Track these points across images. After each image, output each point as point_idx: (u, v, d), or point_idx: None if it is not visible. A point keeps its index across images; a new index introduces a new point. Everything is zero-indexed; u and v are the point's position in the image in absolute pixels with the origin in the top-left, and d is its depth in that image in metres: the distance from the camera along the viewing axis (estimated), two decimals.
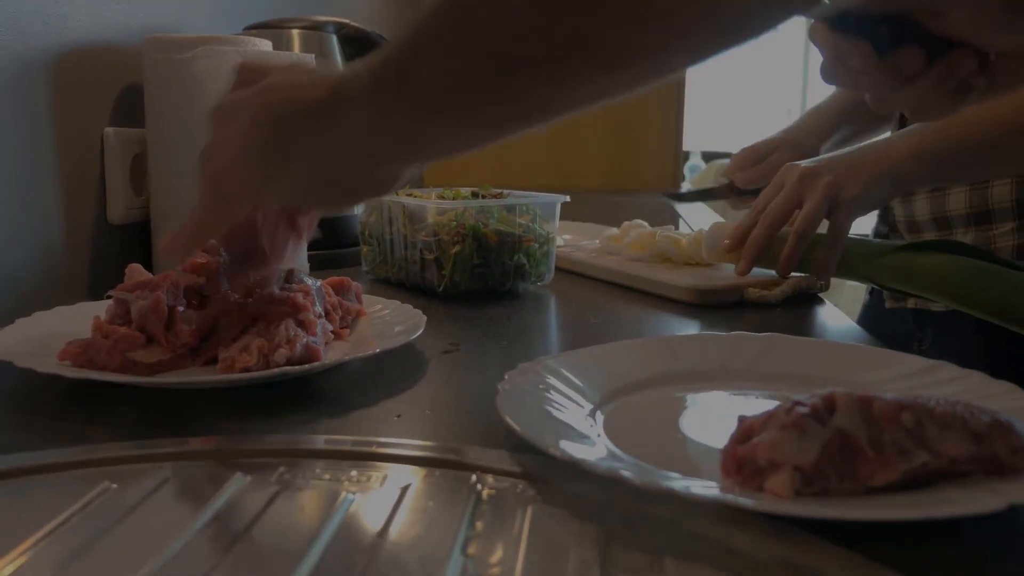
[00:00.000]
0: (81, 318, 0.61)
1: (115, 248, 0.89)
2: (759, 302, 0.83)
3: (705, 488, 0.37)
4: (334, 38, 1.10)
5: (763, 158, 1.14)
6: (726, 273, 0.89)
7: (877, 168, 0.86)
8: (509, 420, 0.43)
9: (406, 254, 0.89)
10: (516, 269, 0.88)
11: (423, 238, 0.86)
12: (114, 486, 0.40)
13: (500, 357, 0.66)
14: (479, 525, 0.37)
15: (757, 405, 0.52)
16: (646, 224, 1.04)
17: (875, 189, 0.86)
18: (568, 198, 0.93)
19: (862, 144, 0.91)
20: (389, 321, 0.69)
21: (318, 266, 0.96)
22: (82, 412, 0.52)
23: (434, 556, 0.34)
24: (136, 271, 0.62)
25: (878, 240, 0.91)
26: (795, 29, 2.36)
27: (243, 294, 0.59)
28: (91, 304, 0.68)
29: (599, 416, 0.48)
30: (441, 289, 0.85)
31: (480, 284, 0.86)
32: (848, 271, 0.83)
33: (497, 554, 0.34)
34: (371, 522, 0.37)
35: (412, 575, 0.33)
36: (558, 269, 0.96)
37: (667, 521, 0.37)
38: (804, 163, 0.88)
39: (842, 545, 0.34)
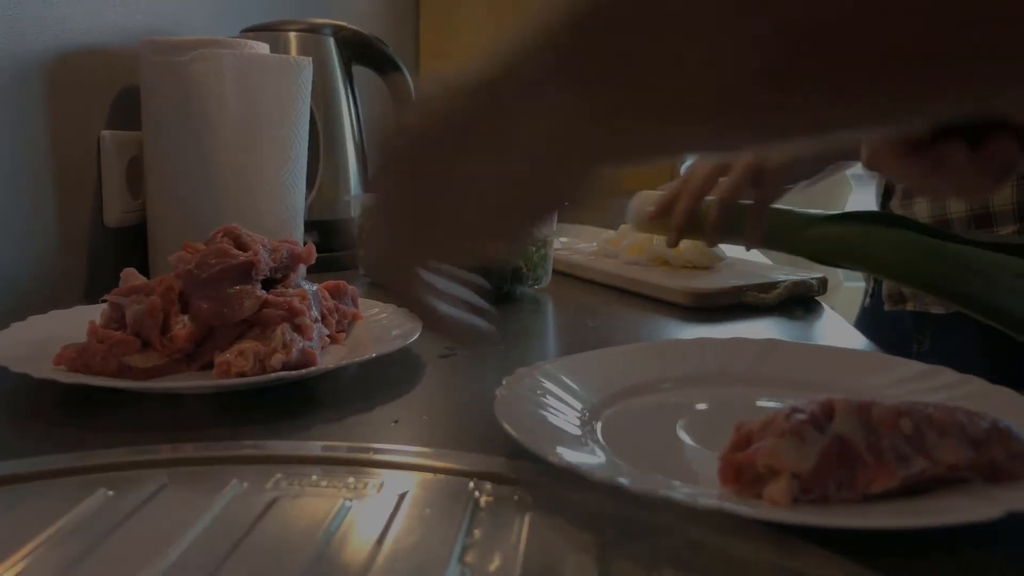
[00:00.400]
0: (77, 322, 0.61)
1: (111, 251, 0.89)
2: (756, 305, 0.83)
3: (703, 496, 0.37)
4: (331, 40, 1.10)
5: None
6: (724, 276, 0.89)
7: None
8: (507, 426, 0.43)
9: None
10: (513, 272, 0.88)
11: None
12: (111, 493, 0.40)
13: (498, 361, 0.66)
14: (477, 533, 0.36)
15: (755, 410, 0.52)
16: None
17: (804, 159, 0.84)
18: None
19: None
20: (386, 325, 0.69)
21: (314, 269, 0.96)
22: (78, 417, 0.52)
23: (431, 564, 0.34)
24: (131, 275, 0.62)
25: (809, 211, 0.90)
26: None
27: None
28: (87, 308, 0.68)
29: (597, 422, 0.48)
30: None
31: None
32: (776, 242, 0.81)
33: (495, 562, 0.34)
34: (368, 530, 0.37)
35: None
36: (555, 272, 0.96)
37: (665, 529, 0.37)
38: None
39: (841, 553, 0.34)
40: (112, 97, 0.89)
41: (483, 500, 0.40)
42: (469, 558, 0.34)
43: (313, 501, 0.40)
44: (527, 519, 0.38)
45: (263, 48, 0.91)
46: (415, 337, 0.62)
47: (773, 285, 0.85)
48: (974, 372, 0.53)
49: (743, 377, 0.55)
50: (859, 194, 2.27)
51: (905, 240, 0.74)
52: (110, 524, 0.37)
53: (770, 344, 0.58)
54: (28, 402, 0.54)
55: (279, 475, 0.42)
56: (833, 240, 0.78)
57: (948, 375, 0.52)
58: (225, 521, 0.38)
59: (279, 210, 0.91)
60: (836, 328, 0.78)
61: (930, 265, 0.72)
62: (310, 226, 1.02)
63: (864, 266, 0.79)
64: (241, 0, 1.18)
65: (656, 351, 0.58)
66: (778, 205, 0.81)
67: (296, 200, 0.94)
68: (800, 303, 0.85)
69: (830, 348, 0.60)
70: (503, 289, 0.88)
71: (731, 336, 0.60)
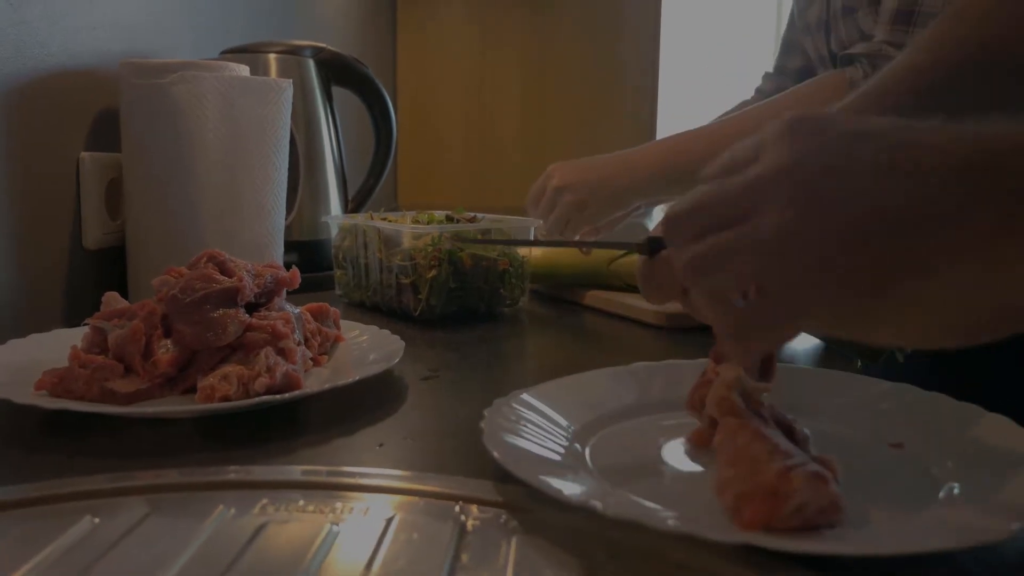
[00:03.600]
0: (57, 346, 0.61)
1: (90, 273, 0.89)
2: None
3: (675, 519, 0.38)
4: (311, 62, 1.10)
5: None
6: None
7: (619, 185, 1.00)
8: (494, 453, 0.43)
9: (381, 278, 0.89)
10: (491, 293, 0.89)
11: (399, 262, 0.86)
12: (96, 520, 0.40)
13: (480, 383, 0.67)
14: (464, 557, 0.37)
15: None
16: None
17: (618, 206, 1.03)
18: (541, 222, 0.95)
19: (618, 154, 1.05)
20: (367, 347, 0.69)
21: (290, 291, 0.96)
22: (60, 444, 0.52)
23: None
24: (113, 299, 0.62)
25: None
26: (765, 40, 2.39)
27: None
28: (66, 331, 0.68)
29: (583, 447, 0.49)
30: (417, 313, 0.86)
31: (456, 308, 0.87)
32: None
33: None
34: (356, 556, 0.37)
35: None
36: (532, 291, 0.97)
37: (651, 552, 0.37)
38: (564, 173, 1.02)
39: (822, 572, 0.35)
40: (91, 119, 0.89)
41: (470, 524, 0.40)
42: None
43: (301, 527, 0.40)
44: (514, 542, 0.38)
45: (243, 70, 0.91)
46: (397, 359, 0.63)
47: None
48: (940, 375, 0.54)
49: None
50: None
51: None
52: (97, 552, 0.37)
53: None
54: (9, 428, 0.54)
55: (265, 500, 0.42)
56: (633, 267, 0.91)
57: (915, 392, 0.54)
58: (214, 547, 0.38)
59: (259, 231, 0.91)
60: (804, 345, 0.80)
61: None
62: (290, 247, 1.02)
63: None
64: (221, 22, 1.18)
65: (631, 375, 0.59)
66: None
67: (276, 221, 0.94)
68: None
69: (795, 368, 0.62)
70: (480, 309, 0.89)
71: (699, 360, 0.61)
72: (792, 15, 1.27)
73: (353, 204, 1.18)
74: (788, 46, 1.29)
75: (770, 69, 1.32)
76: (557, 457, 0.46)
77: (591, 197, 1.00)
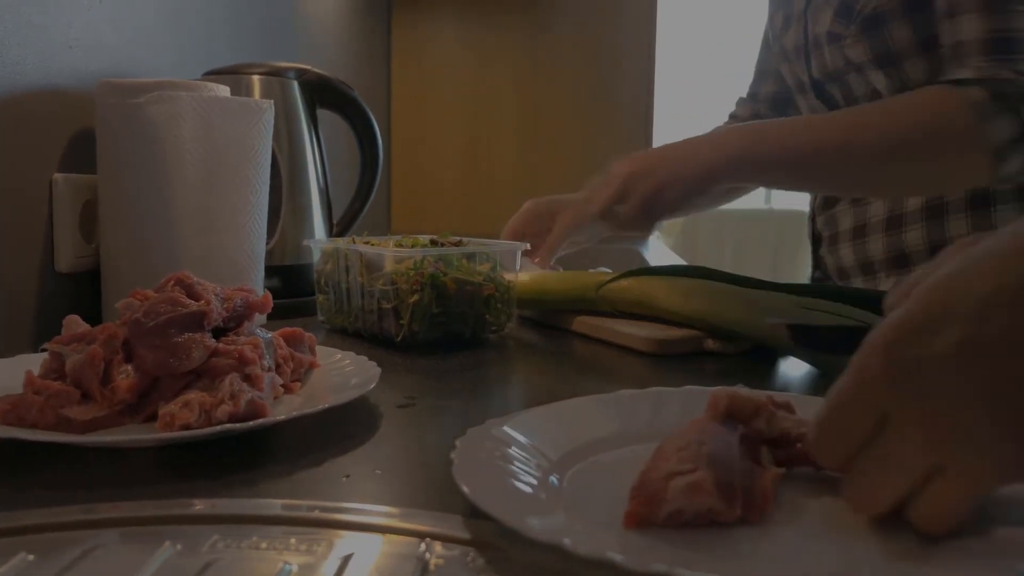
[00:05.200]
0: (19, 371, 0.58)
1: (63, 297, 0.86)
2: (718, 352, 0.82)
3: (656, 564, 0.35)
4: (295, 84, 1.09)
5: (540, 221, 1.11)
6: (684, 325, 0.88)
7: (705, 162, 0.93)
8: (462, 486, 0.41)
9: (363, 303, 0.86)
10: (476, 318, 0.86)
11: (381, 287, 0.84)
12: (31, 558, 0.37)
13: (458, 412, 0.64)
14: None
15: None
16: (610, 271, 1.03)
17: (699, 189, 0.95)
18: (528, 246, 0.92)
19: (688, 139, 0.98)
20: (345, 373, 0.66)
21: (275, 316, 0.94)
22: (10, 475, 0.49)
23: None
24: (73, 323, 0.59)
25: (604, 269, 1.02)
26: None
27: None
28: (30, 356, 0.65)
29: (559, 480, 0.46)
30: (399, 339, 0.83)
31: (439, 333, 0.84)
32: (579, 303, 0.93)
33: None
34: None
35: None
36: (519, 317, 0.94)
37: None
38: (634, 161, 0.99)
39: None
40: (66, 140, 0.87)
41: (433, 562, 0.37)
42: None
43: (251, 565, 0.37)
44: None
45: (223, 90, 0.89)
46: (371, 387, 0.60)
47: (737, 334, 0.84)
48: None
49: None
50: None
51: (694, 286, 0.83)
52: None
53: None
54: None
55: (216, 536, 0.40)
56: (623, 292, 0.88)
57: None
58: None
59: (239, 255, 0.89)
60: (799, 373, 0.77)
61: (718, 306, 0.81)
62: (272, 271, 1.00)
63: (654, 311, 0.87)
64: (204, 43, 1.17)
65: (612, 404, 0.56)
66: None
67: (256, 245, 0.92)
68: (765, 352, 0.83)
69: (795, 398, 0.59)
70: (465, 335, 0.86)
71: (684, 388, 0.59)
72: (765, 40, 1.26)
73: (338, 228, 1.16)
74: (761, 72, 1.29)
75: (745, 94, 1.33)
76: (530, 491, 0.43)
77: (672, 179, 0.93)
